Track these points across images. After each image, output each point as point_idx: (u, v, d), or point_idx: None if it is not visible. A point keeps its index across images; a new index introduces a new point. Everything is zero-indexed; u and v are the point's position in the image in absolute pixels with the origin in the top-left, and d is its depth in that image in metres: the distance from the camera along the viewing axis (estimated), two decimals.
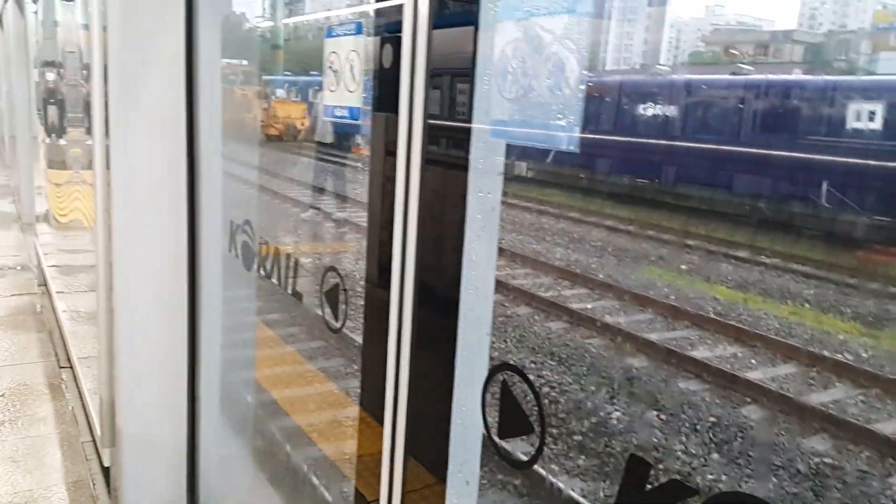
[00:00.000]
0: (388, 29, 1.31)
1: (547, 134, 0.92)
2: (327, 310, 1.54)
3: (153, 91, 2.28)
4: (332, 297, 1.51)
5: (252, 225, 2.20)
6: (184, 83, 2.31)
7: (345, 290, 1.49)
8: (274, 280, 1.97)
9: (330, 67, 1.40)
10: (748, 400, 5.07)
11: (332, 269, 1.53)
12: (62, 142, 4.99)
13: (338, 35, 1.37)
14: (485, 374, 1.11)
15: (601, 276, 8.14)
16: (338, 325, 1.50)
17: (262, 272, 2.10)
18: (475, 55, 1.09)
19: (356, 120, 1.34)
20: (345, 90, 1.36)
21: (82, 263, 4.40)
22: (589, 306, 7.06)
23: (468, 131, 1.15)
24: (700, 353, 5.87)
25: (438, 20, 1.14)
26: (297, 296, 1.81)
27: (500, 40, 1.00)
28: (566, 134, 0.89)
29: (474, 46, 1.09)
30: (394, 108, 1.22)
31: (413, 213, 1.19)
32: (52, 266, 5.70)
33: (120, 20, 2.18)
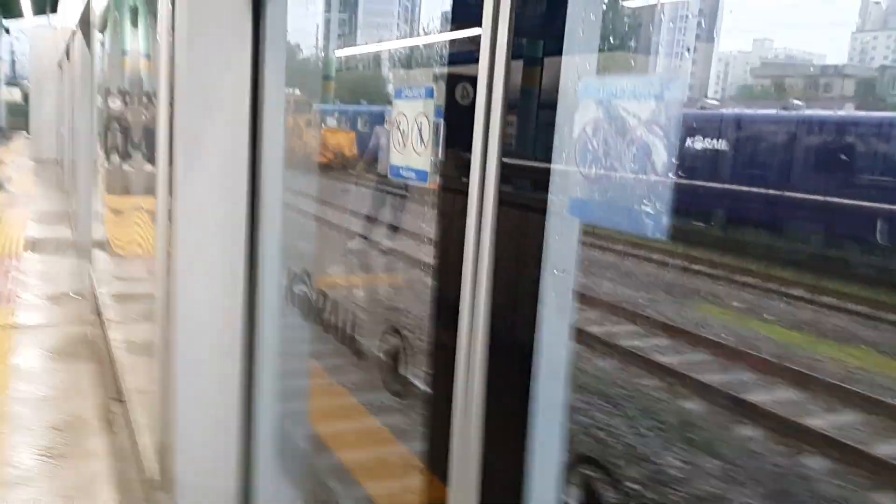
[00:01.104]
0: (463, 59, 1.30)
1: (630, 219, 0.89)
2: (388, 368, 1.52)
3: (218, 121, 2.31)
4: (393, 355, 1.50)
5: (310, 274, 2.21)
6: (248, 116, 2.34)
7: (405, 347, 1.47)
8: (332, 331, 1.97)
9: (397, 127, 1.40)
10: (809, 449, 4.88)
11: (394, 329, 1.51)
12: (122, 167, 5.11)
13: (407, 97, 1.37)
14: (561, 465, 1.07)
15: (651, 312, 8.00)
16: (399, 385, 1.48)
17: (320, 321, 2.09)
18: (554, 130, 1.07)
19: (424, 182, 1.33)
20: (412, 152, 1.36)
21: (137, 292, 4.47)
22: (640, 344, 6.92)
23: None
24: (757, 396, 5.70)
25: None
26: (358, 353, 1.80)
27: (580, 118, 0.99)
28: (652, 221, 0.87)
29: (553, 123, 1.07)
30: (466, 144, 1.20)
31: (485, 257, 1.16)
32: (107, 294, 5.81)
33: (187, 50, 2.22)
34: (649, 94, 0.86)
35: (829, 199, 9.86)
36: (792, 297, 8.64)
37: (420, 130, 1.34)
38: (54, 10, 26.92)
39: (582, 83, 1.01)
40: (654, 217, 0.86)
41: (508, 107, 1.12)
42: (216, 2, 2.18)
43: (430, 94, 1.33)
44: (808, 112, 11.33)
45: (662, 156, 0.85)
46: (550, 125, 1.12)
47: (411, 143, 1.36)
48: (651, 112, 0.86)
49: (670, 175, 0.84)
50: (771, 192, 10.61)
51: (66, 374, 4.77)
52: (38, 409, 4.21)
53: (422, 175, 1.34)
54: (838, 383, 5.87)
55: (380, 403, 2.61)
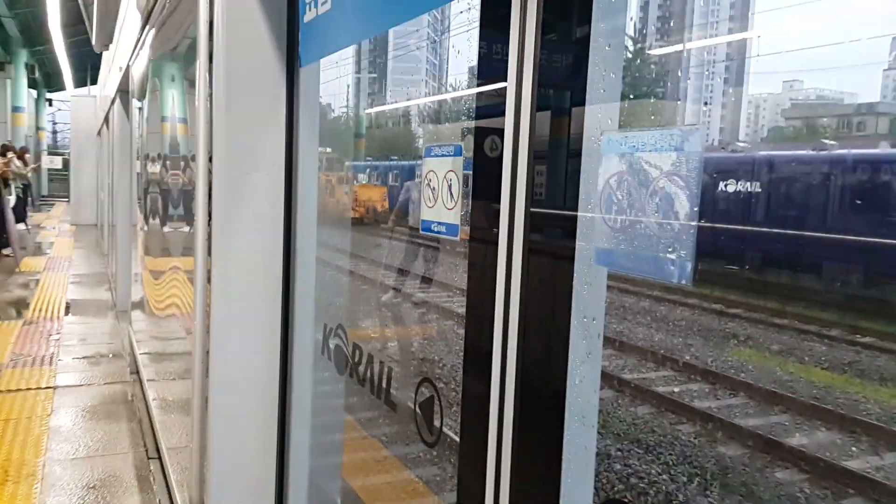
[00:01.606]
0: (489, 113, 1.34)
1: (656, 266, 0.92)
2: (422, 421, 1.54)
3: (255, 184, 2.39)
4: (427, 408, 1.52)
5: (345, 330, 2.25)
6: (283, 178, 2.42)
7: (440, 401, 1.49)
8: (366, 386, 1.99)
9: (428, 185, 1.44)
10: (851, 491, 4.74)
11: (427, 380, 1.53)
12: (161, 230, 5.24)
13: (436, 155, 1.42)
14: None
15: (687, 357, 7.90)
16: (432, 438, 1.50)
17: (353, 377, 2.12)
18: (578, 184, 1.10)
19: (454, 236, 1.37)
20: (443, 207, 1.40)
21: (174, 351, 4.55)
22: (676, 390, 6.83)
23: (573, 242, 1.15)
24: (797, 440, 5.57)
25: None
26: (391, 405, 1.82)
27: (603, 171, 1.02)
28: (677, 269, 0.89)
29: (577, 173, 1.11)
30: (494, 195, 1.23)
31: (515, 306, 1.18)
32: (145, 354, 5.91)
33: (226, 118, 2.31)
34: (669, 147, 0.89)
35: (867, 238, 9.71)
36: (831, 339, 8.46)
37: (450, 187, 1.38)
38: (94, 81, 28.11)
39: (604, 137, 1.04)
40: (679, 263, 0.88)
41: (535, 157, 1.16)
42: (252, 69, 2.28)
43: (458, 152, 1.37)
44: (842, 151, 11.24)
45: (684, 204, 0.87)
46: (576, 174, 1.16)
47: (441, 200, 1.40)
48: (672, 163, 0.89)
49: (692, 223, 0.86)
50: (806, 233, 10.49)
51: (105, 433, 4.84)
52: (74, 468, 4.27)
53: (452, 229, 1.38)
54: (880, 424, 5.72)
55: (414, 456, 2.61)
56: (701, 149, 0.85)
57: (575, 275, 1.13)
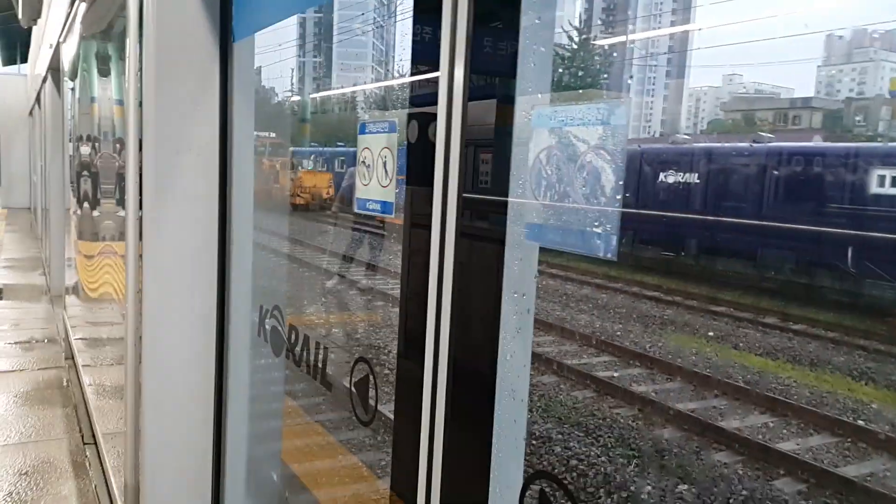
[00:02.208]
0: (422, 101, 1.33)
1: (584, 240, 0.92)
2: (357, 401, 1.53)
3: (187, 165, 2.32)
4: (363, 388, 1.51)
5: (281, 310, 2.21)
6: (217, 158, 2.36)
7: (375, 382, 1.48)
8: (303, 367, 1.97)
9: (363, 162, 1.43)
10: (782, 472, 4.93)
11: (363, 360, 1.52)
12: (94, 213, 5.08)
13: (371, 132, 1.40)
14: (521, 482, 1.08)
15: (626, 343, 8.06)
16: (367, 417, 1.49)
17: (290, 356, 2.09)
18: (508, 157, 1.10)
19: (389, 214, 1.36)
20: (377, 185, 1.38)
21: (109, 336, 4.43)
22: (615, 374, 6.97)
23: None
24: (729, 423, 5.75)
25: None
26: (327, 385, 1.80)
27: (534, 146, 1.02)
28: (603, 242, 0.90)
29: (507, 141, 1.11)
30: (427, 181, 1.23)
31: (447, 288, 1.18)
32: (80, 339, 5.74)
33: (155, 96, 2.23)
34: (596, 120, 0.90)
35: (800, 227, 10.07)
36: (765, 326, 8.75)
37: (385, 164, 1.37)
38: (24, 59, 26.96)
39: (535, 112, 1.04)
40: (605, 238, 0.89)
41: (465, 143, 1.16)
42: (183, 46, 2.21)
43: (392, 128, 1.36)
44: (778, 144, 11.60)
45: (610, 178, 0.88)
46: (507, 159, 1.16)
47: (377, 177, 1.39)
48: (598, 137, 0.89)
49: (618, 197, 0.87)
50: (743, 221, 10.81)
51: (38, 419, 4.69)
52: (6, 454, 4.13)
53: (387, 207, 1.37)
54: (810, 408, 5.96)
55: (350, 438, 2.60)
56: (626, 122, 0.86)
57: (506, 251, 1.13)
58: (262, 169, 2.56)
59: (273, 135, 3.00)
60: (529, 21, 1.12)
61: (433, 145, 1.21)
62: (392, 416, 1.40)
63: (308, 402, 2.59)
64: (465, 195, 1.15)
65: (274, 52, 2.51)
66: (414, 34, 1.31)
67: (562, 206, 0.96)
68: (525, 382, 1.16)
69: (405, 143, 1.35)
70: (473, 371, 1.21)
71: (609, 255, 0.89)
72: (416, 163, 1.34)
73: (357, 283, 9.82)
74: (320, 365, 1.86)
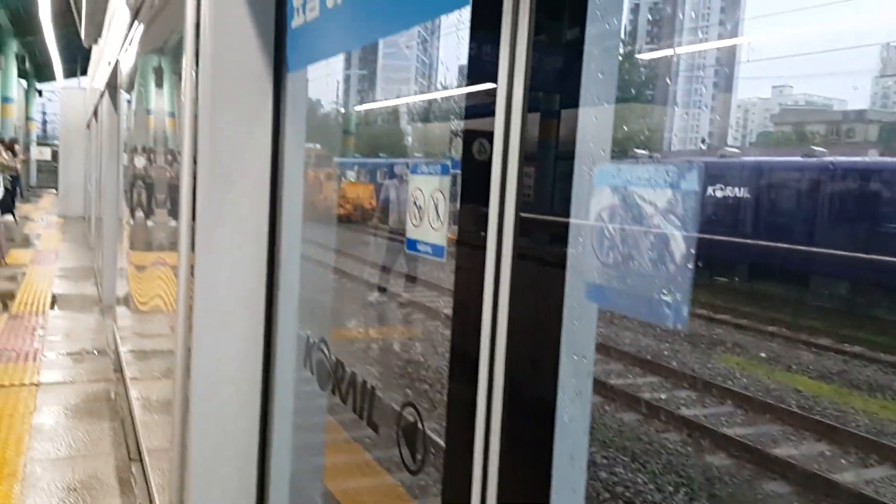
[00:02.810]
0: (478, 113, 1.30)
1: (650, 308, 0.88)
2: (405, 448, 1.50)
3: (239, 180, 2.35)
4: (410, 434, 1.48)
5: (327, 343, 2.20)
6: (269, 173, 2.38)
7: (422, 427, 1.45)
8: (348, 404, 1.95)
9: (414, 203, 1.40)
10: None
11: (410, 404, 1.49)
12: (147, 224, 5.18)
13: (423, 173, 1.38)
14: None
15: (674, 363, 7.89)
16: (415, 467, 1.46)
17: (337, 392, 2.07)
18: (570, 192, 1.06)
19: (440, 257, 1.33)
20: (429, 227, 1.36)
21: (157, 349, 4.49)
22: (663, 397, 6.82)
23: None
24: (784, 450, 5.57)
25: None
26: (374, 426, 1.77)
27: (595, 204, 0.98)
28: (672, 311, 0.85)
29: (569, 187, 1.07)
30: (483, 199, 1.19)
31: (503, 314, 1.15)
32: (128, 351, 5.85)
33: (210, 114, 2.27)
34: (665, 183, 0.85)
35: (853, 249, 9.73)
36: (820, 348, 8.48)
37: (436, 207, 1.34)
38: (84, 72, 27.87)
39: (597, 168, 1.01)
40: (674, 306, 0.85)
41: (525, 160, 1.13)
42: (238, 72, 2.24)
43: (445, 170, 1.33)
44: (831, 158, 11.26)
45: (681, 245, 0.84)
46: (568, 177, 1.12)
47: (428, 220, 1.36)
48: (667, 201, 0.85)
49: (689, 265, 0.83)
50: (794, 244, 10.51)
51: (86, 433, 4.78)
52: (56, 469, 4.21)
53: (438, 250, 1.34)
54: (870, 436, 5.73)
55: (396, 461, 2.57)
56: (699, 187, 0.82)
57: (565, 309, 1.09)
58: (309, 181, 2.57)
59: (318, 146, 3.02)
60: (592, 31, 1.08)
61: (487, 162, 1.18)
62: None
63: (353, 433, 2.57)
64: (522, 215, 1.12)
65: (321, 67, 2.51)
66: (470, 45, 1.28)
67: (627, 268, 0.91)
68: (587, 414, 1.11)
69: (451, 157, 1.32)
70: (532, 398, 1.17)
71: (679, 326, 0.85)
72: (471, 180, 1.31)
73: (398, 298, 9.83)
74: (366, 408, 1.83)
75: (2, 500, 3.78)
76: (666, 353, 8.25)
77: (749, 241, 10.87)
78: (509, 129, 1.15)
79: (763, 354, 8.44)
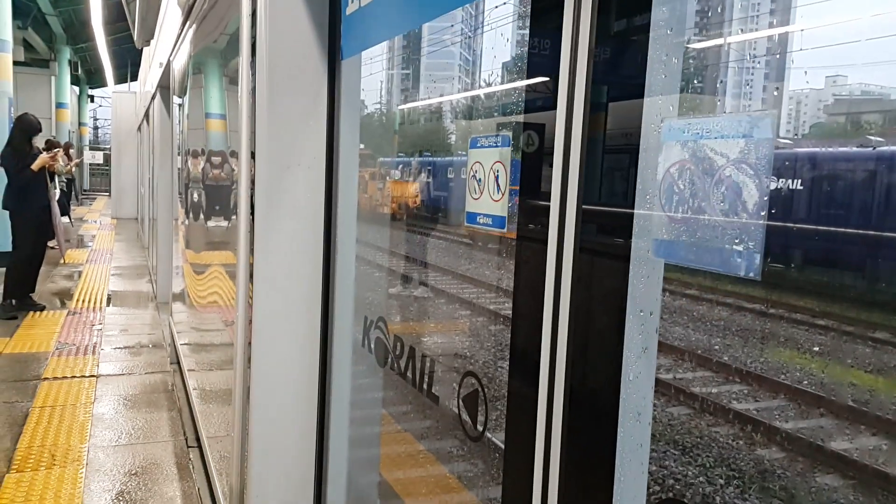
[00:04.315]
0: (536, 107, 1.31)
1: (721, 258, 0.88)
2: (465, 416, 1.52)
3: (297, 178, 2.40)
4: (471, 403, 1.50)
5: (385, 321, 2.24)
6: (324, 171, 2.42)
7: (484, 396, 1.47)
8: (408, 378, 1.98)
9: (473, 176, 1.42)
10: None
11: (471, 373, 1.51)
12: (202, 224, 5.30)
13: (483, 146, 1.40)
14: None
15: (725, 358, 7.76)
16: (477, 432, 1.48)
17: (395, 368, 2.11)
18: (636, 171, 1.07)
19: (501, 228, 1.35)
20: (489, 199, 1.38)
21: (214, 342, 4.60)
22: (714, 391, 6.72)
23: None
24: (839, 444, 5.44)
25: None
26: (434, 398, 1.80)
27: (663, 160, 0.99)
28: (744, 261, 0.86)
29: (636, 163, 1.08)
30: (541, 192, 1.20)
31: (565, 309, 1.15)
32: (185, 344, 6.00)
33: (268, 112, 2.32)
34: (737, 133, 0.86)
35: None
36: (876, 341, 8.24)
37: (497, 178, 1.36)
38: (134, 77, 28.59)
39: (665, 124, 1.01)
40: (747, 256, 0.85)
41: (587, 153, 1.13)
42: (294, 61, 2.28)
43: (506, 142, 1.35)
44: (890, 147, 10.93)
45: (753, 194, 0.84)
46: (631, 169, 1.12)
47: (488, 191, 1.38)
48: (740, 150, 0.85)
49: (762, 213, 0.83)
50: (851, 231, 10.25)
51: (146, 422, 4.92)
52: (117, 454, 4.35)
53: (499, 221, 1.36)
54: None
55: (449, 451, 2.59)
56: (772, 135, 0.82)
57: (631, 268, 1.10)
58: (362, 179, 2.61)
59: (364, 146, 3.06)
60: (658, 28, 1.08)
61: (547, 155, 1.19)
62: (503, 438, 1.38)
63: (411, 416, 2.60)
64: (585, 207, 1.12)
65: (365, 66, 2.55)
66: (531, 36, 1.29)
67: (696, 221, 0.92)
68: (650, 404, 1.12)
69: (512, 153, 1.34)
70: (594, 390, 1.18)
71: (752, 275, 0.85)
72: (530, 173, 1.32)
73: (445, 291, 9.86)
74: (426, 378, 1.86)
75: (69, 483, 3.92)
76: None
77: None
78: (571, 120, 1.15)
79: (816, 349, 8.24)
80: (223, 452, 3.53)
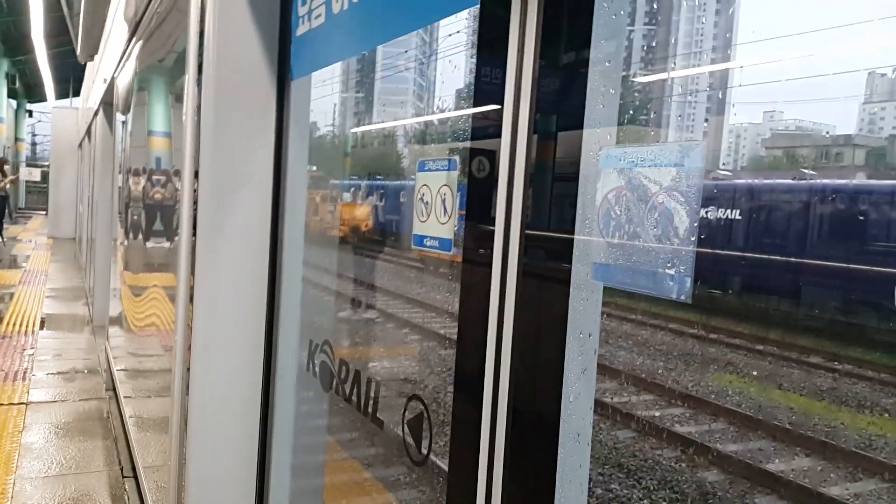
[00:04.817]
0: (481, 134, 1.33)
1: (655, 282, 0.91)
2: (410, 440, 1.52)
3: (242, 198, 2.36)
4: (416, 426, 1.49)
5: (331, 345, 2.22)
6: (271, 192, 2.40)
7: (429, 419, 1.47)
8: (353, 403, 1.96)
9: (420, 199, 1.44)
10: None
11: (416, 397, 1.51)
12: (142, 245, 5.18)
13: (430, 170, 1.42)
14: None
15: (668, 382, 7.91)
16: (422, 456, 1.47)
17: (340, 392, 2.09)
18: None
19: (447, 251, 1.36)
20: (436, 222, 1.39)
21: (153, 368, 4.48)
22: (657, 414, 6.83)
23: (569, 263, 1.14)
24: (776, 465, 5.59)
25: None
26: (379, 422, 1.79)
27: (602, 185, 1.02)
28: (676, 284, 0.89)
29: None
30: (487, 217, 1.23)
31: (508, 331, 1.17)
32: (122, 370, 5.82)
33: (214, 131, 2.28)
34: (669, 162, 0.89)
35: (844, 265, 9.86)
36: (810, 365, 8.53)
37: (444, 201, 1.37)
38: (76, 93, 27.93)
39: (603, 152, 1.04)
40: (678, 280, 0.88)
41: (531, 179, 1.16)
42: (242, 80, 2.27)
43: (453, 166, 1.37)
44: (821, 181, 11.45)
45: (684, 220, 0.87)
46: (571, 196, 1.15)
47: (435, 214, 1.39)
48: (671, 179, 0.89)
49: (692, 239, 0.86)
50: (787, 259, 10.63)
51: (78, 451, 4.74)
52: (46, 487, 4.17)
53: (445, 244, 1.37)
54: (859, 451, 5.78)
55: (395, 479, 2.57)
56: (702, 164, 0.85)
57: (571, 291, 1.12)
58: (311, 201, 2.59)
59: (315, 168, 3.05)
60: (598, 62, 1.12)
61: (493, 181, 1.21)
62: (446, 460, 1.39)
63: (356, 442, 2.58)
64: (527, 232, 1.15)
65: (317, 88, 2.55)
66: (478, 66, 1.32)
67: (632, 246, 0.95)
68: (589, 425, 1.14)
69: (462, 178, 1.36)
70: (535, 411, 1.19)
71: (683, 297, 0.88)
72: (476, 198, 1.34)
73: (393, 315, 9.83)
74: (371, 403, 1.85)
75: None
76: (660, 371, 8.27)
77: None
78: (515, 147, 1.18)
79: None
80: (160, 483, 3.43)
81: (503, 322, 1.18)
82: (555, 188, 1.20)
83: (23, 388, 6.07)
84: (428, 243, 1.41)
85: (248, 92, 2.27)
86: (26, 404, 5.65)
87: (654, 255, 0.91)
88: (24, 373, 6.53)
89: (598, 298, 1.13)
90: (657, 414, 6.79)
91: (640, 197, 0.94)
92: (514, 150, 1.17)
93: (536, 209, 1.18)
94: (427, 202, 1.42)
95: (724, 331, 9.82)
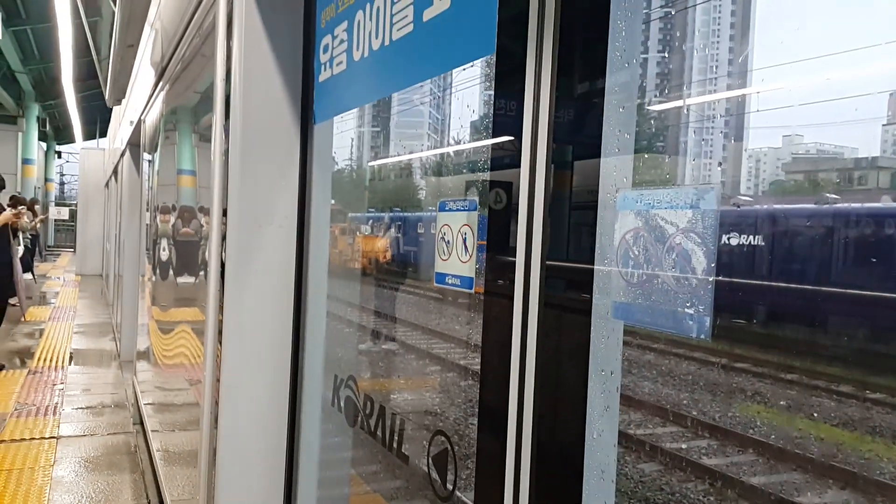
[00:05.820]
0: (500, 166, 1.36)
1: (675, 321, 0.94)
2: (435, 475, 1.53)
3: (268, 236, 2.42)
4: (441, 462, 1.51)
5: (355, 379, 2.25)
6: (296, 231, 2.45)
7: (454, 454, 1.49)
8: (378, 438, 1.98)
9: (442, 238, 1.47)
10: None
11: (441, 433, 1.53)
12: (171, 281, 5.26)
13: (451, 210, 1.46)
14: None
15: (694, 412, 7.81)
16: (447, 492, 1.49)
17: (365, 428, 2.11)
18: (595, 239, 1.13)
19: (469, 289, 1.39)
20: (457, 260, 1.43)
21: (180, 402, 4.52)
22: (684, 446, 6.74)
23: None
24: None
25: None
26: (404, 458, 1.81)
27: (619, 227, 1.05)
28: (695, 323, 0.91)
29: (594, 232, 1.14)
30: (509, 249, 1.25)
31: (531, 364, 1.19)
32: (149, 404, 5.87)
33: (241, 174, 2.35)
34: (685, 204, 0.92)
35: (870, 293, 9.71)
36: (841, 394, 8.37)
37: (465, 241, 1.41)
38: (102, 134, 28.57)
39: (620, 195, 1.07)
40: (697, 319, 0.90)
41: (549, 210, 1.19)
42: (268, 125, 2.34)
43: (473, 206, 1.41)
44: (844, 205, 11.33)
45: (701, 260, 0.90)
46: (590, 226, 1.18)
47: (456, 253, 1.43)
48: (688, 220, 0.91)
49: (710, 279, 0.88)
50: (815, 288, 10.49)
51: (107, 485, 4.78)
52: None
53: (466, 282, 1.41)
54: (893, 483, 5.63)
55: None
56: (717, 206, 0.88)
57: (592, 326, 1.14)
58: (332, 235, 2.64)
59: (335, 202, 3.11)
60: (611, 88, 1.16)
61: (513, 212, 1.24)
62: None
63: (380, 476, 2.59)
64: (548, 263, 1.17)
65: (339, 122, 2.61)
66: (496, 98, 1.36)
67: (651, 285, 0.97)
68: (614, 462, 1.15)
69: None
70: (559, 448, 1.21)
71: (703, 336, 0.90)
72: (497, 230, 1.37)
73: (411, 346, 9.84)
74: (395, 437, 1.87)
75: None
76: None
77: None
78: (534, 180, 1.21)
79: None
80: None
81: (525, 355, 1.21)
82: (572, 217, 1.22)
83: (53, 422, 6.15)
84: (450, 281, 1.44)
85: (273, 135, 2.34)
86: (57, 438, 5.72)
87: (673, 294, 0.93)
88: (55, 407, 6.62)
89: (619, 336, 1.15)
90: (684, 446, 6.69)
91: (657, 238, 0.96)
92: (532, 180, 1.21)
93: (558, 239, 1.21)
94: (448, 241, 1.45)
95: (749, 359, 9.68)
